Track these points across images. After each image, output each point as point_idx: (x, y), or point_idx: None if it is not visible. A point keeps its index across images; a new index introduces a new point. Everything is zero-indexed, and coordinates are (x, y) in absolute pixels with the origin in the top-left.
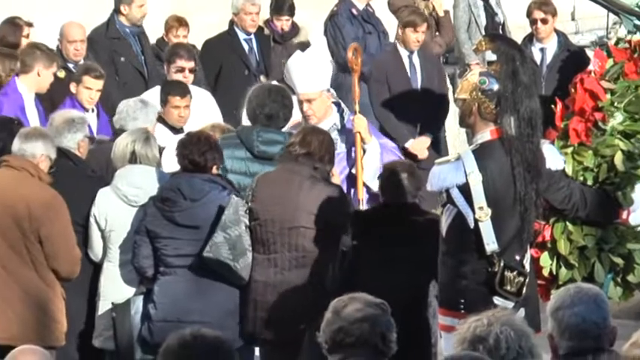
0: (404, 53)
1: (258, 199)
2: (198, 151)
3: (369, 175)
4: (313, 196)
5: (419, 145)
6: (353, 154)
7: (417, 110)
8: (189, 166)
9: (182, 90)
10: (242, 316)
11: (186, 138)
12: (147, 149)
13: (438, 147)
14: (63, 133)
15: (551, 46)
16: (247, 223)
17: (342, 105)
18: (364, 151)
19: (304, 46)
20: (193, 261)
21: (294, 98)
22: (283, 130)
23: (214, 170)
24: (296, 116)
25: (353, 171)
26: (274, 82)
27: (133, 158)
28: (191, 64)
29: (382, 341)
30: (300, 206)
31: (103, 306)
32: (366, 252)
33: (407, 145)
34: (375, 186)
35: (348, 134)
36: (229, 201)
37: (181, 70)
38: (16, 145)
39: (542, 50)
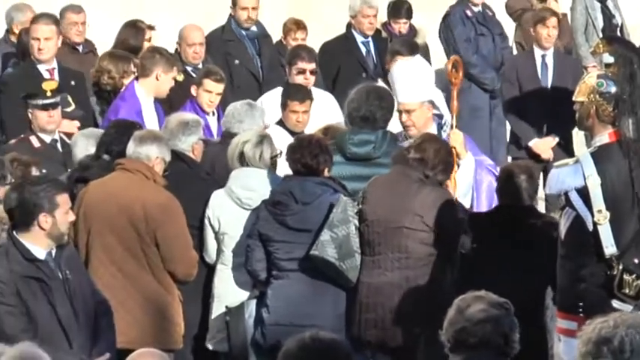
0: (538, 53)
1: (368, 200)
2: (309, 154)
3: (461, 192)
4: (420, 198)
5: (543, 145)
6: None
7: (546, 110)
8: (301, 169)
9: (302, 95)
10: (349, 319)
11: (297, 141)
12: (256, 151)
13: (568, 147)
14: (177, 135)
15: None
16: (357, 224)
17: (445, 118)
18: (458, 167)
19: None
20: (305, 264)
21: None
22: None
23: (326, 173)
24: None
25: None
26: (378, 84)
27: (242, 159)
28: (312, 66)
29: (505, 342)
30: (405, 207)
31: (217, 308)
32: (484, 255)
33: (530, 143)
34: (466, 202)
35: None
36: (338, 200)
37: (302, 71)
38: (131, 148)
39: None
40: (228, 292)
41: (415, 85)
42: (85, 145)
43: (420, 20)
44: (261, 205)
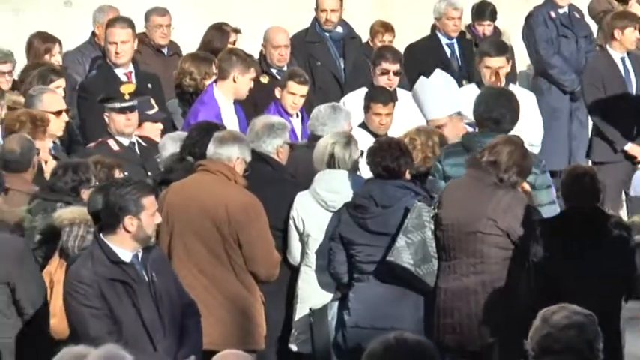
0: (616, 56)
1: (443, 205)
2: (390, 157)
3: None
4: (493, 202)
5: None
6: None
7: (634, 113)
8: (382, 172)
9: (385, 97)
10: (428, 324)
11: (378, 145)
12: (346, 152)
13: None
14: (262, 137)
15: None
16: (433, 229)
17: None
18: None
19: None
20: (385, 267)
21: None
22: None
23: (407, 176)
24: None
25: None
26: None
27: (332, 161)
28: (396, 67)
29: (589, 349)
30: (478, 212)
31: (301, 309)
32: (556, 262)
33: (626, 147)
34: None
35: None
36: (413, 206)
37: (386, 72)
38: (211, 149)
39: None
40: (311, 293)
41: (440, 100)
42: (173, 148)
43: (505, 22)
44: (343, 209)
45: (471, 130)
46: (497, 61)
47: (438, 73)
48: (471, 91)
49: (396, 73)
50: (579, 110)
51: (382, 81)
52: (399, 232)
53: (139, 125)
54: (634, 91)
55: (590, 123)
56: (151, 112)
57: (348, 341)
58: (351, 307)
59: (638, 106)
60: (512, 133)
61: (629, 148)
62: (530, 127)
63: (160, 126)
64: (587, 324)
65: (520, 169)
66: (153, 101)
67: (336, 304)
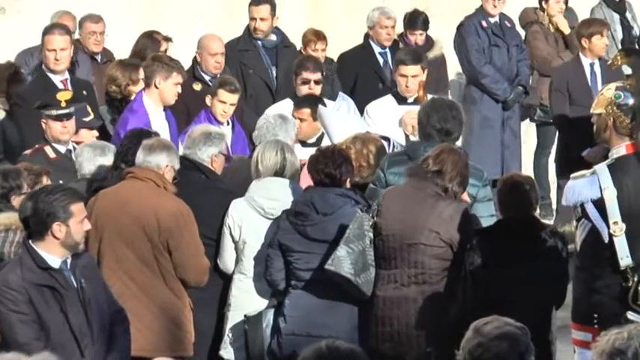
0: (586, 62)
1: (383, 213)
2: (333, 165)
3: None
4: (436, 213)
5: (595, 153)
6: None
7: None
8: (324, 180)
9: (306, 102)
10: (364, 332)
11: (320, 152)
12: (294, 159)
13: None
14: (198, 145)
15: None
16: (372, 237)
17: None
18: None
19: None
20: (323, 275)
21: None
22: None
23: (347, 184)
24: None
25: None
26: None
27: (282, 167)
28: (317, 76)
29: None
30: (421, 223)
31: (234, 317)
32: (494, 271)
33: (583, 154)
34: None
35: None
36: (355, 216)
37: (307, 82)
38: (140, 157)
39: None
40: (245, 301)
41: (346, 127)
42: (90, 156)
43: (437, 31)
44: (282, 215)
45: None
46: (411, 70)
47: (340, 97)
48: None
49: (317, 82)
50: (512, 119)
51: (303, 90)
52: (340, 241)
53: (76, 132)
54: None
55: (523, 132)
56: (87, 119)
57: (284, 349)
58: (287, 315)
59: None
60: None
61: (586, 155)
62: None
63: (95, 133)
64: (519, 336)
65: (462, 180)
66: (89, 108)
67: (271, 311)
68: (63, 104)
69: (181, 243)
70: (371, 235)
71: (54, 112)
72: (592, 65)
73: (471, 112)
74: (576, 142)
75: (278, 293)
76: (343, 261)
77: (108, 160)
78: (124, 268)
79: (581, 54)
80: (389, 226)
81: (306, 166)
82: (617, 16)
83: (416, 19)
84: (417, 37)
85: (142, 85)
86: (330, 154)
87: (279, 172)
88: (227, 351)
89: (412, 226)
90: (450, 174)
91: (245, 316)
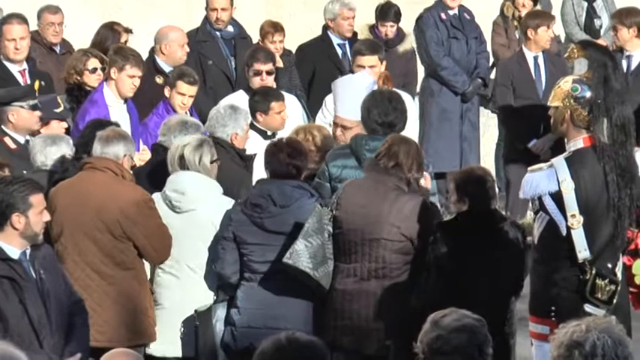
0: (529, 55)
1: (342, 207)
2: (289, 157)
3: None
4: (397, 208)
5: (541, 145)
6: None
7: (542, 111)
8: (279, 172)
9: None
10: (321, 325)
11: (275, 144)
12: (195, 154)
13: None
14: (174, 132)
15: (637, 54)
16: (330, 231)
17: None
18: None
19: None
20: (279, 267)
21: None
22: None
23: (302, 176)
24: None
25: None
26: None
27: (182, 163)
28: (268, 67)
29: (479, 353)
30: (382, 218)
31: (160, 314)
32: (456, 262)
33: (529, 145)
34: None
35: None
36: (313, 209)
37: (259, 73)
38: (98, 149)
39: (628, 58)
40: (164, 296)
41: (356, 102)
42: (42, 147)
43: (409, 24)
44: (236, 208)
45: None
46: (368, 60)
47: (364, 75)
48: None
49: (269, 73)
50: (470, 111)
51: (256, 82)
52: (299, 235)
53: (47, 123)
54: (542, 90)
55: (481, 124)
56: (58, 110)
57: (239, 342)
58: (242, 307)
59: (545, 106)
60: None
61: (532, 145)
62: (411, 130)
63: (65, 124)
64: (477, 328)
65: (419, 165)
66: (60, 99)
67: (220, 305)
68: (36, 94)
69: (147, 230)
70: (330, 228)
71: (30, 102)
72: (536, 58)
73: (430, 105)
74: (521, 134)
75: (228, 287)
76: (301, 255)
77: (60, 150)
78: (87, 260)
79: (524, 47)
80: (349, 220)
81: (263, 157)
82: (585, 3)
83: (387, 11)
84: (388, 29)
85: (98, 74)
86: (285, 146)
87: (182, 167)
88: (159, 347)
89: (373, 221)
90: (406, 165)
91: (195, 311)
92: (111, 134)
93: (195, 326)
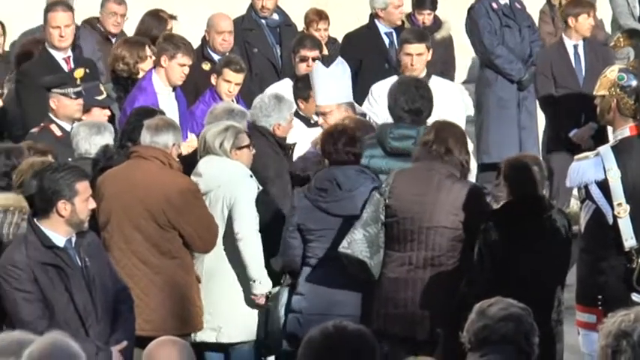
0: (569, 44)
1: (395, 195)
2: (349, 144)
3: None
4: (453, 195)
5: (582, 134)
6: None
7: (582, 100)
8: (340, 158)
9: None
10: (369, 312)
11: (335, 131)
12: (217, 139)
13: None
14: (220, 121)
15: None
16: (383, 219)
17: (368, 117)
18: None
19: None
20: (337, 254)
21: None
22: None
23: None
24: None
25: None
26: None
27: (205, 146)
28: (315, 53)
29: (526, 341)
30: (440, 206)
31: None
32: (503, 251)
33: (570, 135)
34: None
35: None
36: (371, 198)
37: (305, 59)
38: (147, 138)
39: None
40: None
41: (332, 88)
42: (86, 135)
43: (446, 12)
44: (299, 195)
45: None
46: (416, 48)
47: (339, 61)
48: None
49: (314, 59)
50: (527, 100)
51: (302, 68)
52: (356, 224)
53: (88, 111)
54: (583, 79)
55: (539, 112)
56: (100, 98)
57: (305, 329)
58: (306, 294)
59: (585, 95)
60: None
61: (573, 135)
62: (453, 117)
63: (107, 112)
64: (523, 316)
65: (467, 148)
66: (102, 87)
67: (285, 290)
68: (78, 82)
69: (193, 219)
70: (383, 217)
71: (71, 90)
72: (576, 47)
73: (486, 94)
74: (562, 123)
75: (292, 274)
76: (360, 244)
77: (104, 139)
78: (132, 248)
79: (564, 35)
80: (404, 209)
81: (318, 144)
82: None
83: None
84: (425, 17)
85: (150, 63)
86: (344, 133)
87: (208, 151)
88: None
89: (431, 209)
90: (456, 149)
91: (270, 292)
92: (160, 123)
93: (267, 309)
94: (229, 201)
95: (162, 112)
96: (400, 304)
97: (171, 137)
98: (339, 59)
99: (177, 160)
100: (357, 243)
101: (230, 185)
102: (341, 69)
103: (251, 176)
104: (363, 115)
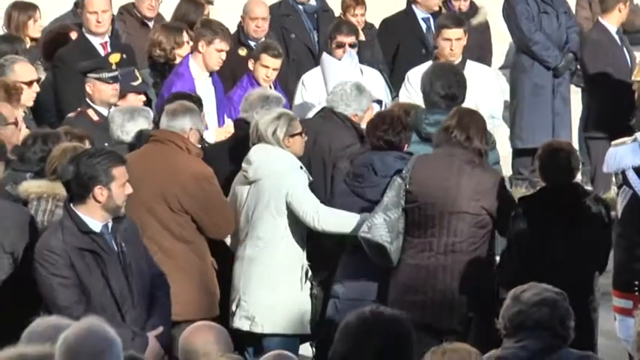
0: (612, 30)
1: (416, 181)
2: (393, 132)
3: None
4: (474, 181)
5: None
6: None
7: (629, 87)
8: (383, 145)
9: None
10: (385, 299)
11: (379, 118)
12: (270, 127)
13: None
14: (255, 108)
15: None
16: (403, 205)
17: (384, 103)
18: None
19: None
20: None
21: None
22: None
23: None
24: None
25: None
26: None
27: (257, 134)
28: (351, 39)
29: (561, 326)
30: (462, 191)
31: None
32: (538, 237)
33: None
34: None
35: None
36: (392, 182)
37: (342, 45)
38: (164, 122)
39: None
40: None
41: (342, 79)
42: (120, 121)
43: None
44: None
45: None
46: (455, 33)
47: (350, 55)
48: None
49: (351, 46)
50: (562, 86)
51: (338, 54)
52: (377, 208)
53: (124, 96)
54: (629, 65)
55: (573, 99)
56: (135, 84)
57: (342, 314)
58: (343, 280)
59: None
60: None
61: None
62: (489, 102)
63: (142, 97)
64: (558, 301)
65: (486, 135)
66: (137, 72)
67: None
68: (113, 67)
69: (206, 204)
70: (403, 202)
71: (106, 75)
72: (618, 33)
73: (522, 80)
74: (607, 109)
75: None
76: (380, 228)
77: (137, 125)
78: (148, 234)
79: (605, 21)
80: (426, 194)
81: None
82: None
83: None
84: (461, 3)
85: (187, 48)
86: (389, 120)
87: (260, 139)
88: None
89: (453, 194)
90: (477, 136)
91: (319, 281)
92: (178, 107)
93: (314, 296)
94: (277, 192)
95: (199, 98)
96: (421, 290)
97: (187, 121)
98: (350, 51)
99: (198, 145)
100: (377, 227)
101: (279, 176)
102: (349, 61)
103: (301, 167)
104: (379, 102)
